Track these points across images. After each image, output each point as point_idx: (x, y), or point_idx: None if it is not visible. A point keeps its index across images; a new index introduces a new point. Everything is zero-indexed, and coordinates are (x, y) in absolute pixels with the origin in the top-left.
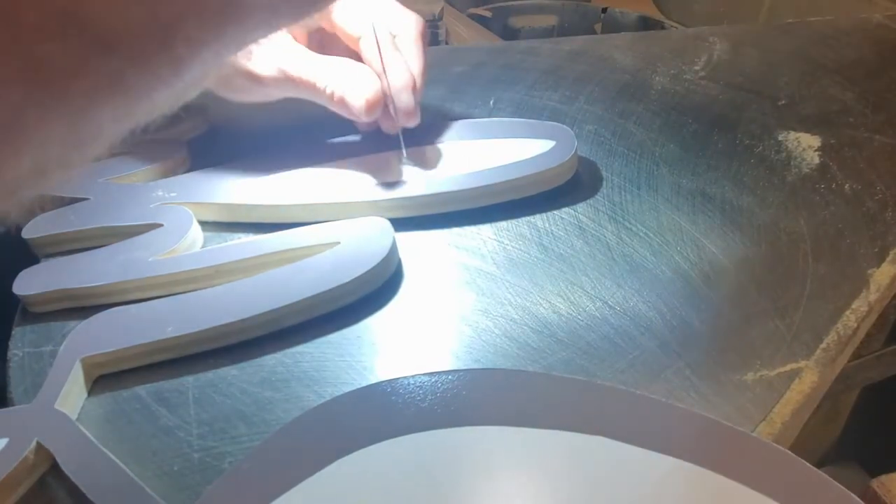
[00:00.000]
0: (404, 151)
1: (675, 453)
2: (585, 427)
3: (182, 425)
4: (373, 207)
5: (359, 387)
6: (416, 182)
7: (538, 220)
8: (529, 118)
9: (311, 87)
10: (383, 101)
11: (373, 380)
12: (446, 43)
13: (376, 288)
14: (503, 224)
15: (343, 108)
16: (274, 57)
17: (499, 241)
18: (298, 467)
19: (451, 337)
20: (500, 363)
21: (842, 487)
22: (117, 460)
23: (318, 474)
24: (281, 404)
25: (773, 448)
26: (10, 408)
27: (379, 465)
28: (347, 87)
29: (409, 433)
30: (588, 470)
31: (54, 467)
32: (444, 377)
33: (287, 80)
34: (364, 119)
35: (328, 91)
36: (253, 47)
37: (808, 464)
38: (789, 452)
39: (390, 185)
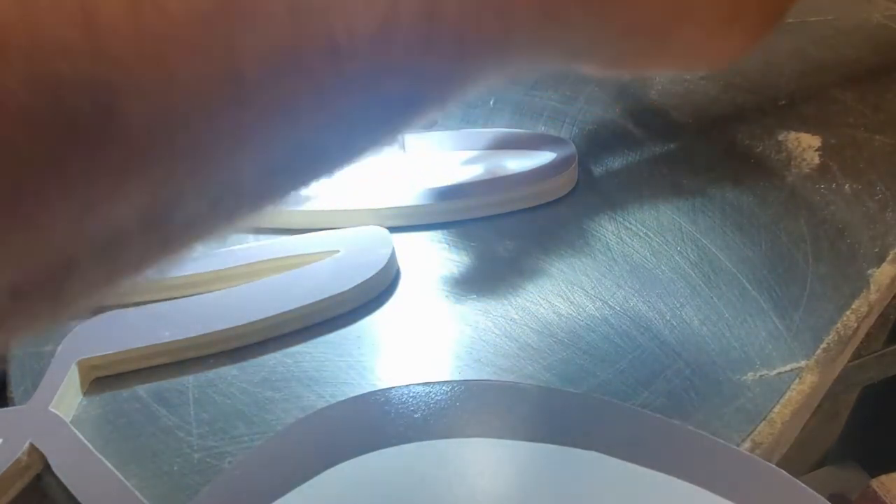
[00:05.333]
0: (404, 149)
1: (669, 470)
2: (579, 442)
3: (182, 425)
4: (373, 216)
5: (357, 387)
6: (417, 192)
7: (538, 219)
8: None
9: None
10: None
11: (373, 380)
12: None
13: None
14: (502, 224)
15: None
16: None
17: (498, 240)
18: (289, 475)
19: (450, 337)
20: (500, 363)
21: None
22: (109, 464)
23: (308, 483)
24: (281, 404)
25: (763, 465)
26: (5, 409)
27: (371, 475)
28: None
29: (401, 443)
30: (580, 485)
31: (47, 469)
32: (438, 388)
33: None
34: None
35: None
36: None
37: (799, 482)
38: (781, 470)
39: (391, 193)
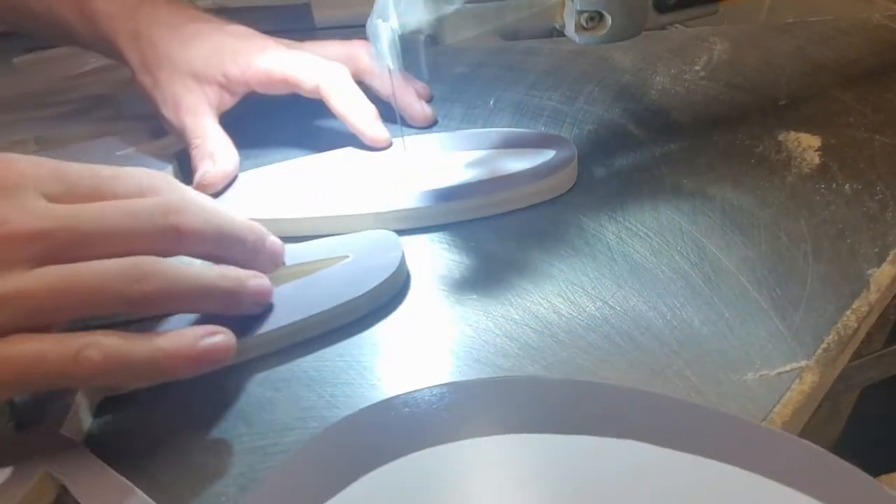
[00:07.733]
0: (404, 143)
1: (705, 452)
2: (612, 431)
3: (183, 425)
4: (376, 220)
5: (358, 387)
6: (418, 194)
7: (538, 220)
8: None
9: (342, 116)
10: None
11: (373, 380)
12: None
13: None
14: (503, 224)
15: (363, 136)
16: (318, 76)
17: (499, 240)
18: (319, 488)
19: (451, 337)
20: (501, 363)
21: (875, 482)
22: (126, 481)
23: (341, 493)
24: (281, 404)
25: (800, 442)
26: (15, 436)
27: (403, 480)
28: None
29: (431, 446)
30: (620, 475)
31: (64, 492)
32: (461, 387)
33: (323, 98)
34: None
35: (357, 124)
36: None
37: (836, 456)
38: (816, 446)
39: (393, 197)
